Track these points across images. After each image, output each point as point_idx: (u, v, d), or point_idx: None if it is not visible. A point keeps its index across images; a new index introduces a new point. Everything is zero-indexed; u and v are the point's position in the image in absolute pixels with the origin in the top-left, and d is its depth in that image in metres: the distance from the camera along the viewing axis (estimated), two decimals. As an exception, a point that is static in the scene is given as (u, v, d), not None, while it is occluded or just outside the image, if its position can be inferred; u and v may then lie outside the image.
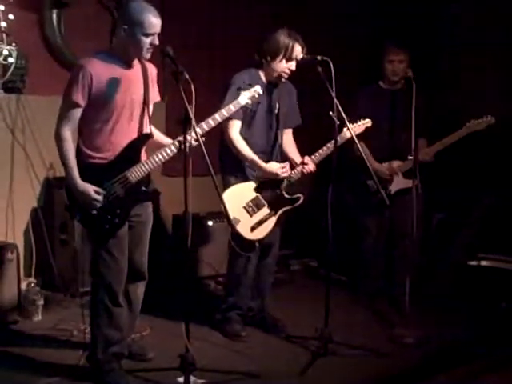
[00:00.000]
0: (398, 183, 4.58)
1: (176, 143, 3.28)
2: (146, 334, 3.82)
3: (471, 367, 3.65)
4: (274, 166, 3.89)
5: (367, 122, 4.05)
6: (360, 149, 3.79)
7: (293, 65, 3.85)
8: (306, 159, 3.95)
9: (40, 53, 4.74)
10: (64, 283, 4.53)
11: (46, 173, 4.73)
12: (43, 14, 4.74)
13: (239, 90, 3.62)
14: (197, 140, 3.15)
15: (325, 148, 3.93)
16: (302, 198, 3.99)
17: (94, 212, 3.14)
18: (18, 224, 4.61)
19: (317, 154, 3.96)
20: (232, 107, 3.50)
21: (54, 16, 4.76)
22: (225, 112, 3.47)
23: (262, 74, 3.92)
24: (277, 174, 3.87)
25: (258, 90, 3.57)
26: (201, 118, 3.32)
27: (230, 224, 3.34)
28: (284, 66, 3.85)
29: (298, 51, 3.82)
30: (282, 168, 3.88)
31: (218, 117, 3.43)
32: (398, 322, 4.16)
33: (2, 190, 4.51)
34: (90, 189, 3.12)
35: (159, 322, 4.07)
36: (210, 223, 4.99)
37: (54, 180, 4.66)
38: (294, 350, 3.82)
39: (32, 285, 4.28)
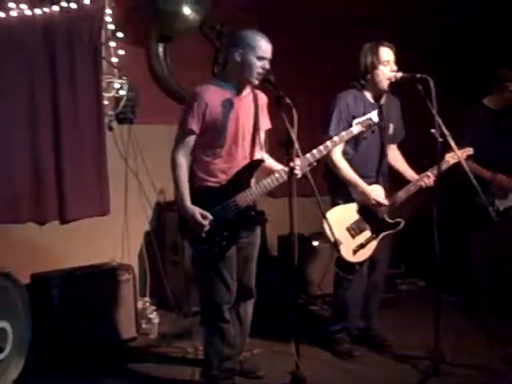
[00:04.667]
0: (509, 201, 4.48)
1: (286, 169, 3.29)
2: (256, 353, 3.91)
3: None
4: (375, 193, 3.86)
5: (469, 151, 3.97)
6: (468, 173, 3.69)
7: (392, 66, 3.83)
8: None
9: (148, 84, 5.03)
10: (177, 303, 4.73)
11: (156, 197, 4.98)
12: (150, 48, 5.04)
13: (354, 118, 3.65)
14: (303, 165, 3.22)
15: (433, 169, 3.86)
16: (402, 223, 3.94)
17: (203, 234, 3.27)
18: (132, 246, 4.90)
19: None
20: (345, 135, 3.53)
21: (161, 49, 5.05)
22: (337, 139, 3.51)
23: (366, 94, 3.92)
24: (377, 203, 3.85)
25: (373, 118, 3.57)
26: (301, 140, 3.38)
27: (335, 246, 3.38)
28: (384, 72, 3.82)
29: (387, 51, 3.83)
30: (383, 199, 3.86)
31: (329, 144, 3.47)
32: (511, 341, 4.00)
33: (118, 215, 4.81)
34: (197, 213, 3.24)
35: (268, 341, 4.15)
36: (316, 243, 5.04)
37: (165, 204, 4.90)
38: (404, 371, 3.77)
39: (147, 304, 4.51)
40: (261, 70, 3.25)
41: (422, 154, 3.91)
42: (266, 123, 3.52)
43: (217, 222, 3.28)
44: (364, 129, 3.56)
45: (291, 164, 3.13)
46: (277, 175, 3.35)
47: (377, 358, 3.98)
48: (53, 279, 4.02)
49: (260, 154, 3.47)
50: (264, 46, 3.25)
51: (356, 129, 3.54)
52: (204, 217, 3.25)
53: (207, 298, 3.42)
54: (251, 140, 3.42)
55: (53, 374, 3.72)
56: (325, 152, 3.45)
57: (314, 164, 3.34)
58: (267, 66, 3.26)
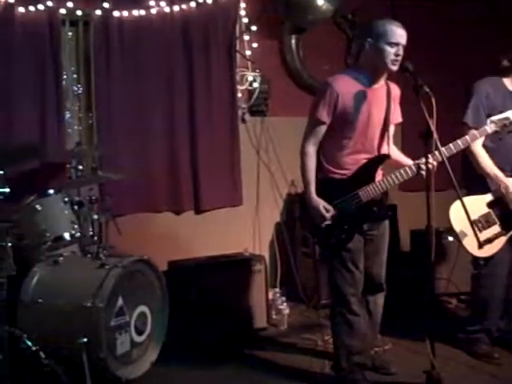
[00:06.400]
0: None
1: (413, 167, 3.24)
2: (387, 349, 3.82)
3: None
4: None
5: None
6: None
7: None
8: None
9: (280, 77, 5.08)
10: (306, 295, 4.76)
11: (287, 189, 5.02)
12: (283, 40, 5.07)
13: (493, 109, 3.50)
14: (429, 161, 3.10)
15: None
16: None
17: (323, 226, 3.25)
18: (263, 237, 4.99)
19: None
20: (477, 134, 3.41)
21: (293, 41, 5.07)
22: (468, 139, 3.39)
23: (506, 82, 3.71)
24: None
25: (510, 117, 3.38)
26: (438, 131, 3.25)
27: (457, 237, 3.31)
28: None
29: None
30: None
31: (460, 143, 3.35)
32: None
33: (250, 206, 4.92)
34: (321, 205, 3.22)
35: (400, 337, 4.04)
36: (450, 238, 4.84)
37: (296, 195, 4.93)
38: (548, 376, 3.55)
39: (277, 295, 4.56)
40: (394, 57, 3.14)
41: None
42: (397, 116, 3.44)
43: (337, 214, 3.24)
44: (498, 128, 3.40)
45: (429, 156, 3.03)
46: (402, 171, 3.27)
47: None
48: (188, 267, 4.17)
49: (388, 147, 3.38)
50: (395, 31, 3.14)
51: (490, 128, 3.41)
52: (327, 210, 3.23)
53: (335, 290, 3.39)
54: (380, 133, 3.34)
55: (187, 358, 3.85)
56: (462, 146, 3.34)
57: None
58: (401, 51, 3.15)
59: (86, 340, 3.18)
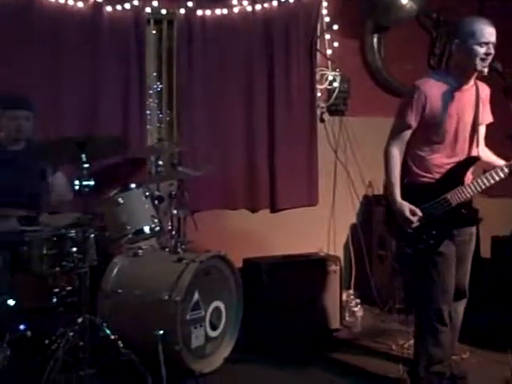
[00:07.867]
0: None
1: (505, 169, 3.12)
2: (465, 357, 3.72)
3: None
4: None
5: None
6: None
7: None
8: None
9: (361, 76, 5.02)
10: (381, 298, 4.68)
11: (365, 190, 4.96)
12: (364, 39, 5.01)
13: None
14: None
15: None
16: None
17: (410, 230, 3.16)
18: (338, 238, 4.95)
19: None
20: None
21: (375, 40, 5.00)
22: None
23: None
24: None
25: None
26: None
27: None
28: None
29: None
30: None
31: None
32: None
33: (326, 206, 4.88)
34: (407, 208, 3.13)
35: (478, 346, 3.91)
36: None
37: (373, 197, 4.86)
38: None
39: (351, 297, 4.51)
40: (484, 57, 3.03)
41: None
42: (487, 117, 3.31)
43: (425, 219, 3.14)
44: None
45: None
46: (494, 173, 3.14)
47: None
48: (263, 265, 4.16)
49: (477, 149, 3.25)
50: (484, 30, 3.02)
51: None
52: (413, 213, 3.14)
53: (421, 298, 3.28)
54: (470, 135, 3.23)
55: (259, 356, 3.85)
56: None
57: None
58: (491, 50, 3.03)
59: (162, 332, 3.24)
